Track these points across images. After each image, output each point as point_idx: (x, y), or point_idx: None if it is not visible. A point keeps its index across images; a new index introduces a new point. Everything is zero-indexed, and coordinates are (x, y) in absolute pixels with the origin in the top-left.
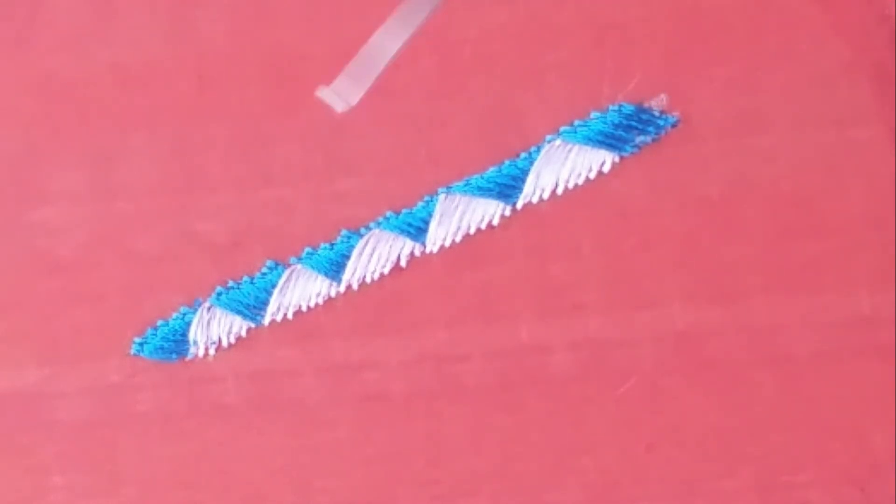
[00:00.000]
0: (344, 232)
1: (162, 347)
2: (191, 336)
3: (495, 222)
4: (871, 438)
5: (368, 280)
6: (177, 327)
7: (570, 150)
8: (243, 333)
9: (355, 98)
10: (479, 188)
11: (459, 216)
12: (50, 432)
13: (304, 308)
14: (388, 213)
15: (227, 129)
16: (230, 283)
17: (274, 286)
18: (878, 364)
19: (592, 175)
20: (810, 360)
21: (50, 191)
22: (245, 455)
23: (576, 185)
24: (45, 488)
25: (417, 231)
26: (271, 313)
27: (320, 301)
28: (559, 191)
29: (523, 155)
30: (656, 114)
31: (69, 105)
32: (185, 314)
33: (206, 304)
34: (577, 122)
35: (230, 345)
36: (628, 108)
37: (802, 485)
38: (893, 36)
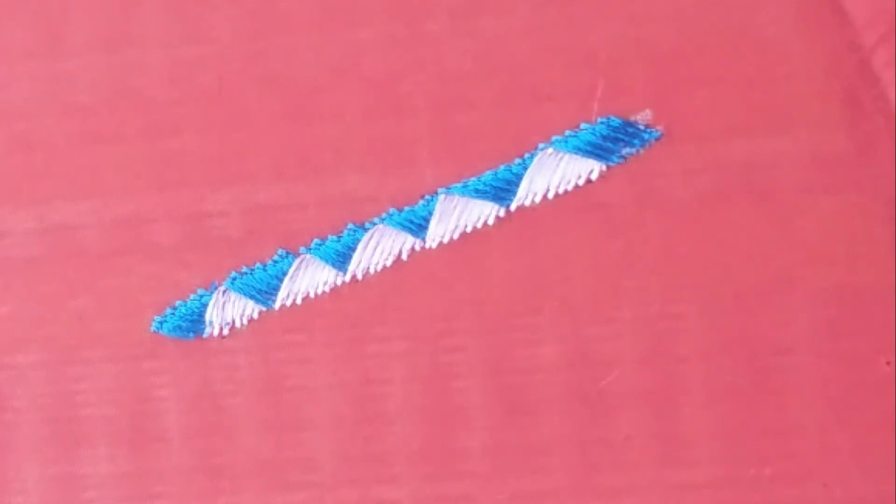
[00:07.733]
0: (350, 226)
1: (180, 326)
2: (207, 317)
3: (490, 222)
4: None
5: (372, 271)
6: (194, 308)
7: (560, 159)
8: (255, 316)
9: None
10: (476, 190)
11: (457, 215)
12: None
13: (311, 295)
14: (392, 210)
15: (243, 131)
16: (244, 269)
17: (284, 274)
18: (878, 362)
19: (581, 182)
20: (795, 359)
21: (79, 189)
22: (254, 432)
23: (565, 191)
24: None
25: (418, 228)
26: (281, 298)
27: (327, 289)
28: (550, 195)
29: (518, 161)
30: (641, 127)
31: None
32: (201, 296)
33: (222, 288)
34: (567, 133)
35: (242, 326)
36: (615, 121)
37: (768, 479)
38: (866, 59)
